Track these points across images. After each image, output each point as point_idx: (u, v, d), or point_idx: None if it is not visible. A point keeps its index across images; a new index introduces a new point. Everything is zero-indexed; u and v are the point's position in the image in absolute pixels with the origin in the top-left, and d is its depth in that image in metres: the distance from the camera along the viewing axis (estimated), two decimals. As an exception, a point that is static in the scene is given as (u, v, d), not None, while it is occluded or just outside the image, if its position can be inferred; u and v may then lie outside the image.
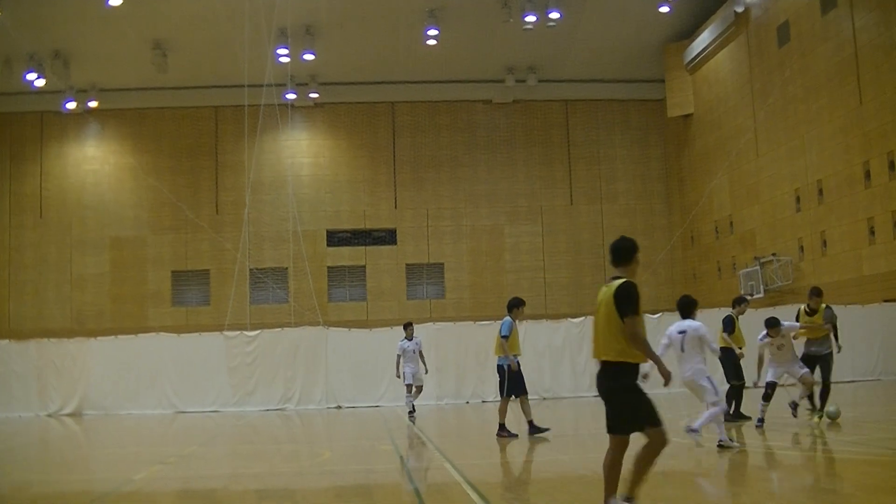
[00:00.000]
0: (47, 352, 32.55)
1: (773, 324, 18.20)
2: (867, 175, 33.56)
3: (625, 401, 8.60)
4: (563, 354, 31.91)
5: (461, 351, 30.84)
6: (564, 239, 51.74)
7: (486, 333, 31.94)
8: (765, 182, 40.78)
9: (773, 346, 18.25)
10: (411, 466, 14.76)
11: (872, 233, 33.50)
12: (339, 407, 31.04)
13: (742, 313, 20.32)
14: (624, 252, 9.14)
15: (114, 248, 50.92)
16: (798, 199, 37.98)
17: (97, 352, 32.23)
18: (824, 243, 36.28)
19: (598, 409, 8.75)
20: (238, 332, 32.76)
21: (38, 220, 51.04)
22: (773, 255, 39.06)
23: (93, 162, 52.05)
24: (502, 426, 18.45)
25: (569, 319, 33.36)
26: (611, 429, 8.65)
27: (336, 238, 51.14)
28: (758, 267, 40.05)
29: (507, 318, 18.72)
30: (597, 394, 8.94)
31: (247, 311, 41.46)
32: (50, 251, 50.56)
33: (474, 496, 11.16)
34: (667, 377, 9.18)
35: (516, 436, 18.10)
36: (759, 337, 18.46)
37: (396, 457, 16.18)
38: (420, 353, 25.54)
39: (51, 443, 23.82)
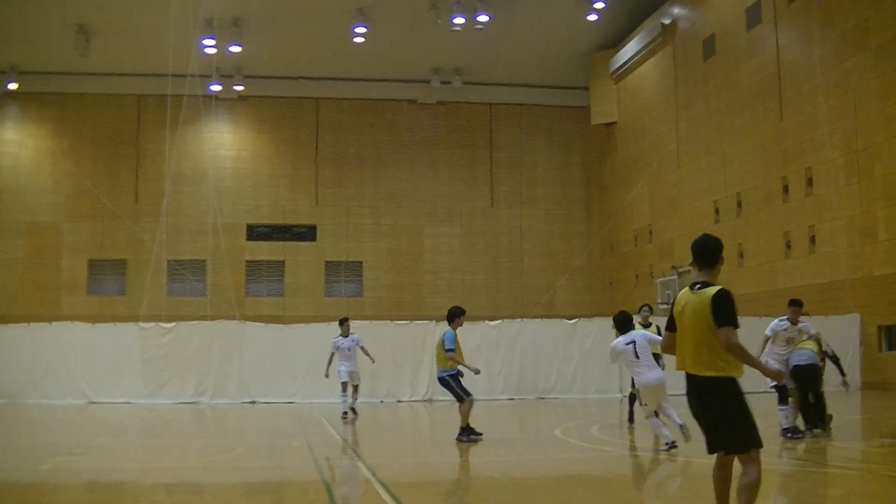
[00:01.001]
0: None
1: (798, 303, 17.44)
2: (785, 190, 34.17)
3: (740, 413, 7.54)
4: (478, 357, 32.00)
5: (378, 350, 30.80)
6: (484, 241, 51.97)
7: (404, 333, 32.11)
8: (685, 193, 41.30)
9: (783, 338, 17.15)
10: (322, 463, 14.75)
11: (788, 246, 34.09)
12: (254, 402, 30.87)
13: (645, 321, 20.46)
14: (712, 252, 8.24)
15: (29, 234, 50.23)
16: (717, 211, 38.54)
17: (8, 339, 31.70)
18: (741, 255, 36.84)
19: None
20: (153, 324, 32.44)
21: (-48, 202, 50.21)
22: (691, 264, 39.44)
23: (11, 145, 51.29)
24: (464, 429, 17.88)
25: (486, 322, 33.45)
26: (729, 449, 7.58)
27: (256, 232, 50.94)
28: (675, 276, 40.56)
29: (449, 330, 18.20)
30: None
31: (163, 303, 41.03)
32: (-37, 235, 49.76)
33: (385, 494, 11.19)
34: (778, 375, 8.77)
35: (481, 435, 17.91)
36: (776, 322, 17.36)
37: (309, 454, 16.15)
38: (362, 348, 24.76)
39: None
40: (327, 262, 51.14)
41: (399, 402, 30.95)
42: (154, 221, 46.40)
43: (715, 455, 7.66)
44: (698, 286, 7.90)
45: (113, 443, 19.14)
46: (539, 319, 34.11)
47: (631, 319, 16.41)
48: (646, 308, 21.54)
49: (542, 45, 47.32)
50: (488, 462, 15.40)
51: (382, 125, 52.22)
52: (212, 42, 42.78)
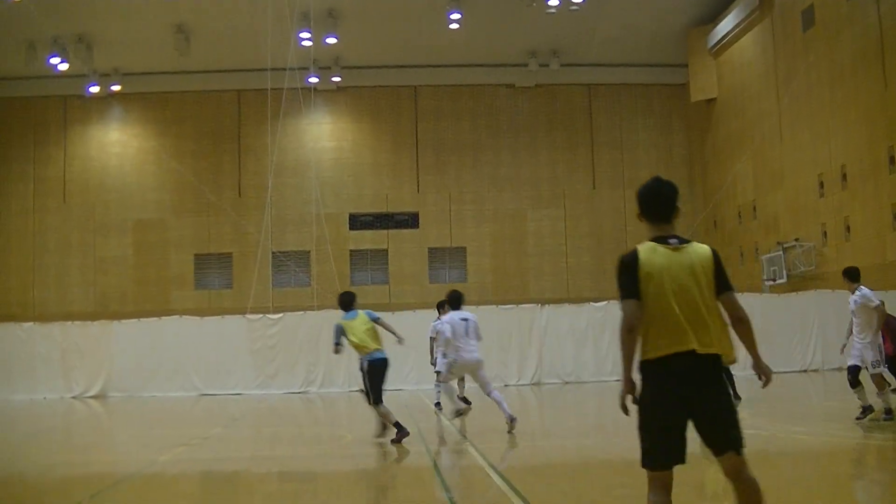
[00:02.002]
0: (71, 334, 32.67)
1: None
2: (891, 160, 33.38)
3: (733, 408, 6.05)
4: (585, 338, 31.86)
5: (484, 335, 30.70)
6: (587, 223, 51.63)
7: (510, 317, 32.08)
8: (788, 167, 40.59)
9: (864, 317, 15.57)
10: (433, 449, 14.75)
11: (896, 218, 33.37)
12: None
13: None
14: (675, 198, 6.43)
15: (137, 232, 51.07)
16: (822, 185, 37.79)
17: (120, 335, 32.32)
18: (847, 229, 36.11)
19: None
20: (261, 316, 32.82)
21: (62, 203, 51.22)
22: (796, 240, 38.87)
23: (116, 145, 52.19)
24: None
25: (591, 303, 33.30)
26: (740, 446, 5.90)
27: (358, 221, 51.16)
28: (780, 252, 39.90)
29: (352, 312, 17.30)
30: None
31: (269, 295, 41.48)
32: (73, 235, 50.74)
33: (498, 480, 11.16)
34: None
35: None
36: (868, 296, 15.55)
37: (420, 440, 16.18)
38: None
39: (76, 425, 23.94)
40: (430, 248, 51.20)
41: (506, 385, 30.91)
42: (258, 214, 46.92)
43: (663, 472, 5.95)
44: (676, 241, 6.16)
45: (226, 433, 19.40)
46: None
47: (461, 298, 17.96)
48: None
49: (638, 23, 46.79)
50: (601, 444, 15.31)
51: (481, 110, 52.10)
52: (308, 35, 42.98)
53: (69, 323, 34.08)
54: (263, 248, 43.86)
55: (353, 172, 51.51)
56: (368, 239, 51.15)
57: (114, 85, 49.34)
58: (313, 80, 47.89)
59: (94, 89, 48.69)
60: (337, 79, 50.01)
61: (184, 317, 34.62)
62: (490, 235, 51.27)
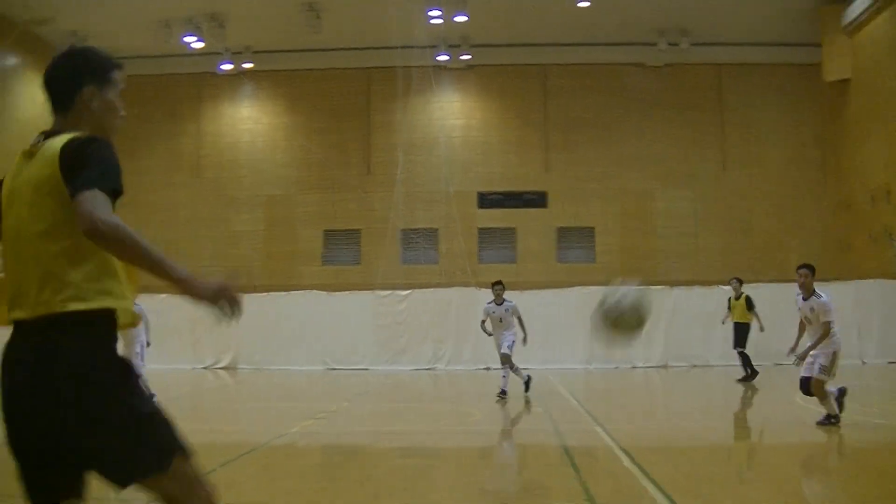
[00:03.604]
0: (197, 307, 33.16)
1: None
2: None
3: None
4: (714, 321, 31.45)
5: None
6: (716, 204, 50.85)
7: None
8: (925, 149, 39.61)
9: None
10: (561, 429, 14.65)
11: None
12: (488, 368, 31.07)
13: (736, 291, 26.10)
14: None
15: (267, 207, 51.80)
16: (961, 168, 36.82)
17: (250, 308, 32.61)
18: None
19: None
20: (389, 292, 33.06)
21: (195, 179, 52.16)
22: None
23: (247, 122, 52.97)
24: None
25: (720, 286, 32.88)
26: None
27: (487, 200, 51.09)
28: (913, 236, 38.94)
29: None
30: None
31: (397, 271, 41.71)
32: (205, 209, 51.64)
33: (626, 461, 11.05)
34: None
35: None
36: None
37: (547, 419, 16.11)
38: (519, 318, 21.22)
39: (206, 396, 24.38)
40: (558, 227, 50.94)
41: (634, 367, 30.70)
42: (386, 191, 47.22)
43: None
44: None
45: (353, 408, 19.58)
46: (773, 283, 33.35)
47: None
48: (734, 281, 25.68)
49: (770, 2, 45.92)
50: (727, 427, 15.09)
51: (609, 89, 51.58)
52: (438, 13, 43.01)
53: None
54: (392, 225, 44.13)
55: (481, 150, 51.45)
56: (497, 217, 51.06)
57: (246, 63, 50.03)
58: (442, 57, 47.96)
59: (227, 67, 49.46)
60: (466, 57, 49.98)
61: (312, 291, 35.00)
62: (618, 215, 50.79)
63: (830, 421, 13.81)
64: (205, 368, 31.90)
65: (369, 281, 39.22)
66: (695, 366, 30.97)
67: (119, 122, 4.36)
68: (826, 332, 13.82)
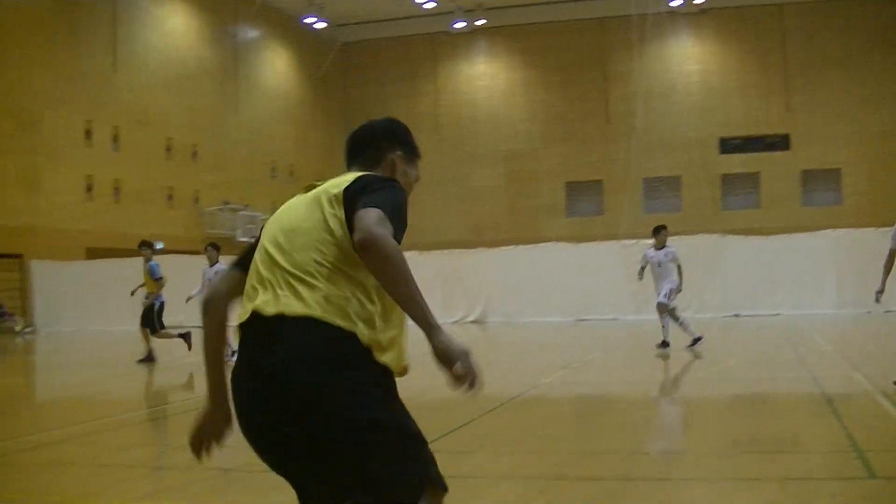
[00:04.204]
0: (450, 262, 33.82)
1: None
2: None
3: None
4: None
5: (859, 258, 29.73)
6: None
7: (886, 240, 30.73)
8: None
9: None
10: (818, 375, 14.44)
11: None
12: (737, 315, 30.73)
13: None
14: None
15: (508, 161, 52.32)
16: None
17: (497, 262, 33.18)
18: None
19: None
20: (634, 241, 32.95)
21: (435, 136, 53.00)
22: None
23: (483, 78, 53.54)
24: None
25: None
26: None
27: (728, 145, 50.29)
28: None
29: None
30: None
31: (640, 220, 41.52)
32: (447, 166, 52.47)
33: (888, 406, 10.85)
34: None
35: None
36: None
37: (800, 366, 15.93)
38: (679, 266, 20.24)
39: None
40: (803, 170, 49.74)
41: (888, 312, 29.79)
42: (625, 141, 47.04)
43: None
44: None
45: (605, 357, 19.75)
46: None
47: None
48: None
49: None
50: None
51: (850, 26, 49.87)
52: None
53: (447, 251, 35.30)
54: (634, 174, 43.94)
55: (720, 95, 50.60)
56: (738, 162, 50.21)
57: (478, 20, 50.45)
58: (676, 3, 47.31)
59: (460, 25, 50.05)
60: (699, 1, 49.16)
61: (559, 243, 35.19)
62: (865, 156, 49.16)
63: None
64: (454, 323, 32.48)
65: (613, 231, 39.23)
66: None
67: (409, 193, 4.07)
68: None
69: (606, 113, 51.46)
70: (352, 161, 4.21)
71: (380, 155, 4.17)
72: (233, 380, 3.65)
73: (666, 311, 19.54)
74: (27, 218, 35.99)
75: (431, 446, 3.81)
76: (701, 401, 12.93)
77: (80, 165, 38.50)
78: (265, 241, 3.82)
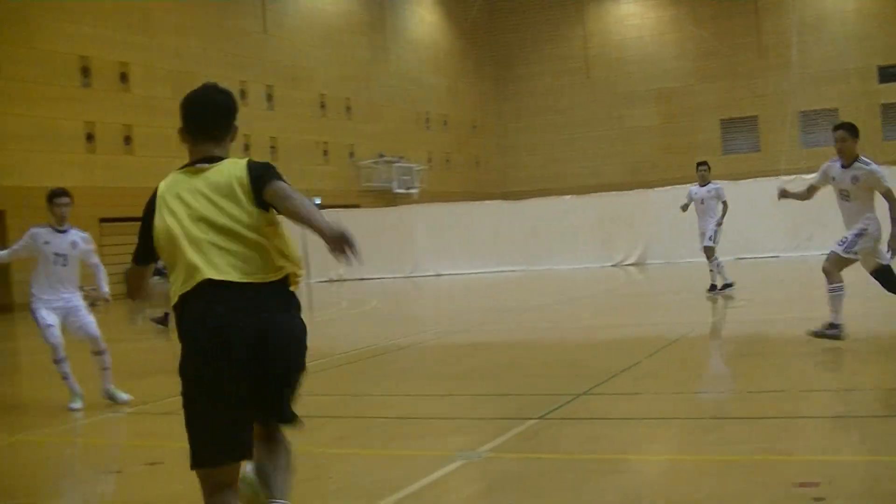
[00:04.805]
0: (608, 205, 33.63)
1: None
2: None
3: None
4: None
5: None
6: None
7: None
8: None
9: None
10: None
11: None
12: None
13: None
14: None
15: (660, 100, 51.79)
16: None
17: (656, 203, 32.81)
18: None
19: None
20: (793, 176, 32.35)
21: (585, 79, 52.78)
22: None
23: (632, 17, 53.01)
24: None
25: None
26: None
27: (887, 73, 48.87)
28: None
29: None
30: None
31: (798, 155, 40.74)
32: (599, 108, 52.23)
33: None
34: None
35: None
36: None
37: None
38: (724, 202, 20.12)
39: (618, 291, 24.92)
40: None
41: None
42: (780, 74, 46.10)
43: None
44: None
45: (768, 296, 19.61)
46: None
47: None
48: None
49: None
50: None
51: None
52: None
53: (605, 194, 35.14)
54: (791, 108, 43.08)
55: (877, 22, 49.11)
56: (900, 91, 48.82)
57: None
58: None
59: (608, -36, 49.58)
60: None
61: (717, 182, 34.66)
62: None
63: None
64: (613, 266, 32.39)
65: (771, 167, 38.60)
66: None
67: None
68: None
69: (759, 46, 50.46)
70: (209, 139, 5.09)
71: (228, 131, 5.18)
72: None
73: (712, 254, 19.51)
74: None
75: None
76: (869, 339, 12.65)
77: (238, 126, 39.22)
78: None
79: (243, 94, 39.77)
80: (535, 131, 55.32)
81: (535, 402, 8.93)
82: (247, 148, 39.27)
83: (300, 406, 4.72)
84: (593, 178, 49.62)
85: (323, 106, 44.73)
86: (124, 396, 10.60)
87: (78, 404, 10.42)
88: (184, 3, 37.52)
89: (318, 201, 41.01)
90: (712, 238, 19.51)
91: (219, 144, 5.05)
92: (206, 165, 4.90)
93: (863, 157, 11.32)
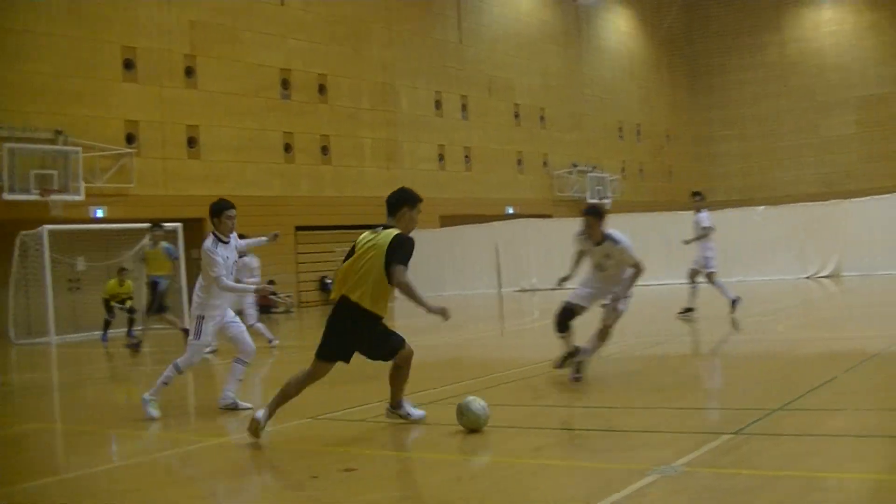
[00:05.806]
0: (802, 215, 32.98)
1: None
2: None
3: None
4: None
5: None
6: None
7: None
8: None
9: None
10: None
11: None
12: None
13: None
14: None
15: (859, 108, 50.73)
16: None
17: (853, 213, 32.01)
18: None
19: None
20: None
21: (783, 87, 52.15)
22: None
23: (829, 24, 52.16)
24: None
25: None
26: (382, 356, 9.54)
27: None
28: None
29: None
30: None
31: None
32: (795, 117, 51.59)
33: None
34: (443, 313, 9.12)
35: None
36: None
37: None
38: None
39: (813, 303, 24.58)
40: None
41: None
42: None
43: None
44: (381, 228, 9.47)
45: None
46: None
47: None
48: None
49: None
50: None
51: None
52: None
53: (800, 204, 34.52)
54: None
55: None
56: None
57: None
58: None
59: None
60: None
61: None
62: None
63: None
64: (807, 278, 31.79)
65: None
66: None
67: (413, 228, 9.57)
68: None
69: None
70: (388, 215, 9.57)
71: (398, 210, 9.56)
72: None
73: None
74: (385, 190, 37.78)
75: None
76: None
77: (433, 136, 40.02)
78: None
79: (438, 104, 40.52)
80: (732, 141, 54.80)
81: (731, 417, 9.03)
82: (441, 158, 39.98)
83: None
84: (788, 188, 48.99)
85: (517, 115, 45.21)
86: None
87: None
88: (389, 15, 38.45)
89: (510, 210, 41.53)
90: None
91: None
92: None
93: None
